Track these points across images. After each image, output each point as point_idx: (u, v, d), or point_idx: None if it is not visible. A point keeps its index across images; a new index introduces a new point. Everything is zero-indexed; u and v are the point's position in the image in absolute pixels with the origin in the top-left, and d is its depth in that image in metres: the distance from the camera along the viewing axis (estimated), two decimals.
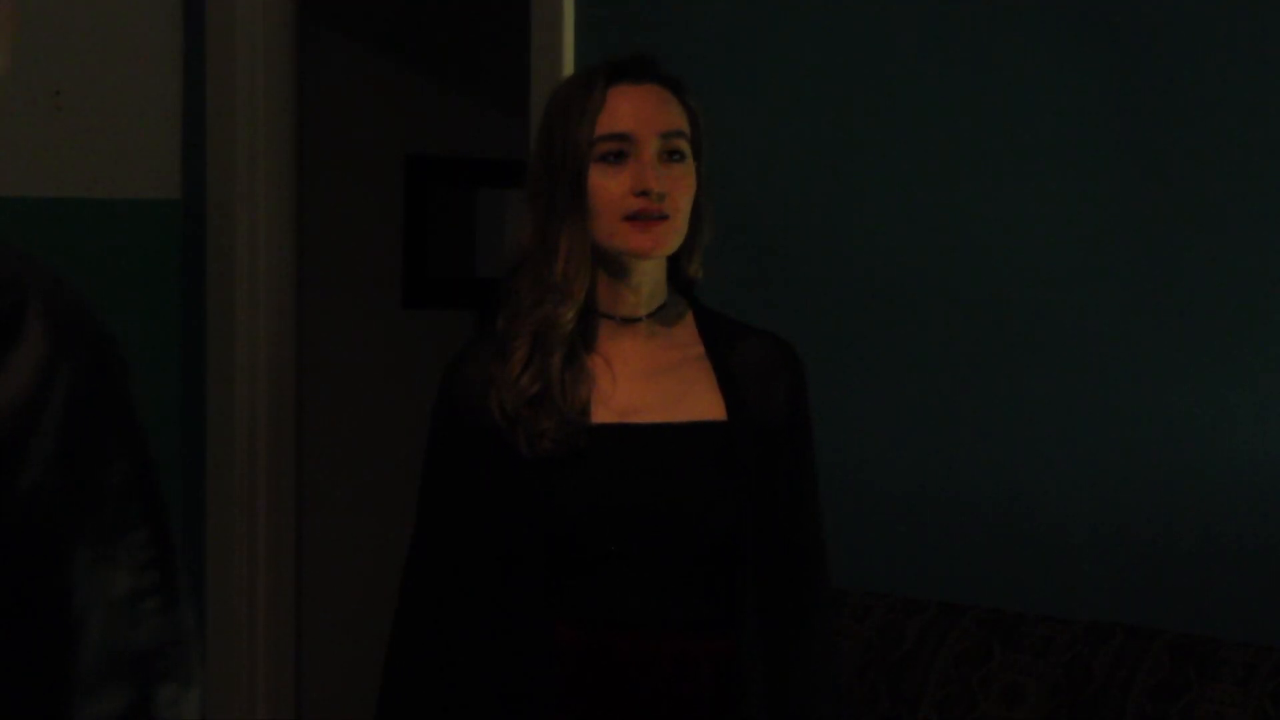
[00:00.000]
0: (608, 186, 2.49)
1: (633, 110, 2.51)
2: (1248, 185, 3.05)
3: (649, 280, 2.56)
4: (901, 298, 3.39)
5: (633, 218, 2.49)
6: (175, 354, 4.51)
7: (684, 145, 2.53)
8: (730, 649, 2.49)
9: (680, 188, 2.51)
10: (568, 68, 3.73)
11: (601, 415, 2.52)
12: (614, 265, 2.54)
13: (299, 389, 4.56)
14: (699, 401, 2.56)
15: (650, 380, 2.57)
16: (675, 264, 2.60)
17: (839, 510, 3.39)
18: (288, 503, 4.52)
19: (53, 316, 1.03)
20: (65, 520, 1.02)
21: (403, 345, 4.84)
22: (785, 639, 2.52)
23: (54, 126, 4.33)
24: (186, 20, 4.48)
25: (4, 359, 1.01)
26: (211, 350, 4.46)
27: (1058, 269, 3.23)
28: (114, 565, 1.03)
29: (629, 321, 2.57)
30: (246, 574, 4.46)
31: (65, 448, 1.02)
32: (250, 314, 4.43)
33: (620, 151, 2.49)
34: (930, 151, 3.37)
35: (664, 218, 2.49)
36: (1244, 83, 3.04)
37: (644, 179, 2.48)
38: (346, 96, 4.78)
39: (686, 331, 2.61)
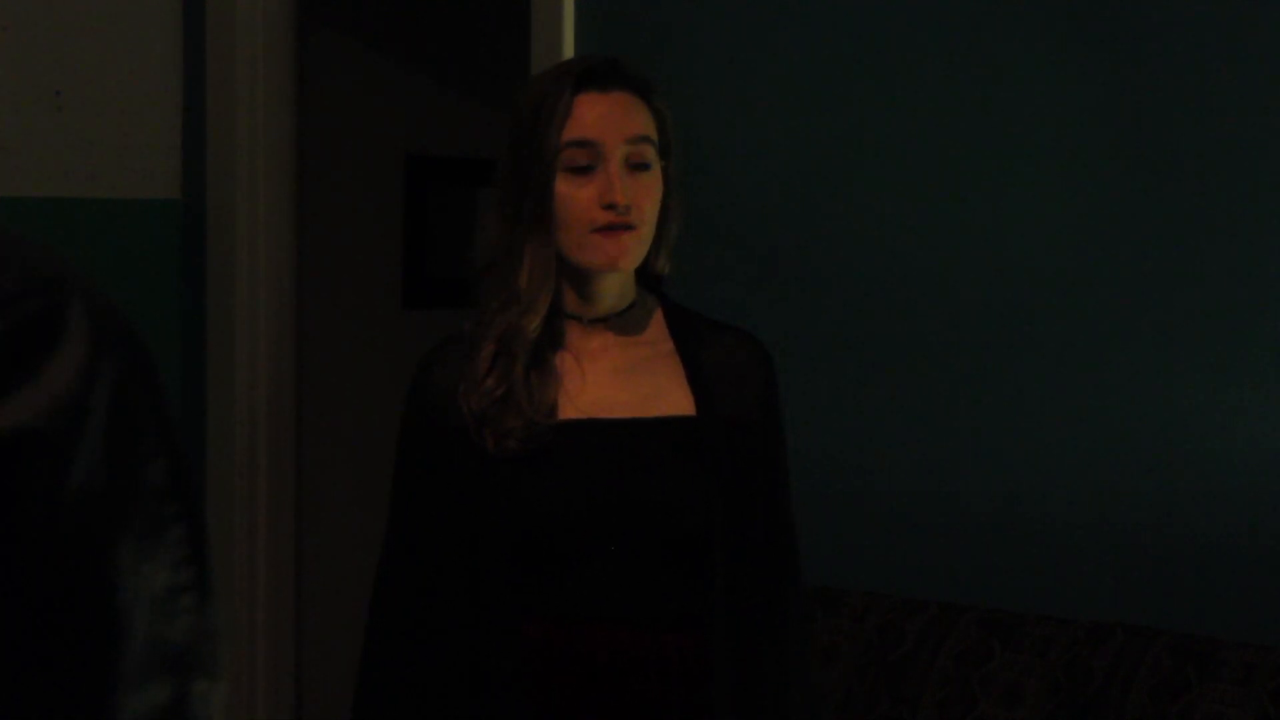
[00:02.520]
0: (575, 197, 2.49)
1: (599, 117, 2.50)
2: (1248, 185, 3.05)
3: (615, 283, 2.57)
4: (902, 297, 3.39)
5: (600, 230, 2.48)
6: (175, 354, 4.51)
7: (650, 152, 2.52)
8: (699, 644, 2.49)
9: (646, 198, 2.51)
10: None
11: (569, 413, 2.53)
12: (580, 273, 2.54)
13: (299, 389, 4.56)
14: (668, 398, 2.56)
15: (619, 378, 2.57)
16: (643, 261, 2.59)
17: (838, 510, 3.39)
18: (288, 503, 4.52)
19: (92, 316, 1.04)
20: (111, 519, 1.03)
21: (403, 345, 4.84)
22: (755, 634, 2.53)
23: (54, 126, 4.33)
24: (186, 20, 4.48)
25: (49, 358, 1.01)
26: (211, 350, 4.46)
27: (1057, 269, 3.23)
28: (154, 562, 1.04)
29: (597, 321, 2.58)
30: (246, 574, 4.46)
31: (110, 446, 1.03)
32: (250, 314, 4.43)
33: (589, 165, 2.49)
34: (929, 150, 3.36)
35: (631, 228, 2.49)
36: (1244, 83, 3.04)
37: (611, 192, 2.47)
38: (346, 96, 4.78)
39: (656, 329, 2.61)
